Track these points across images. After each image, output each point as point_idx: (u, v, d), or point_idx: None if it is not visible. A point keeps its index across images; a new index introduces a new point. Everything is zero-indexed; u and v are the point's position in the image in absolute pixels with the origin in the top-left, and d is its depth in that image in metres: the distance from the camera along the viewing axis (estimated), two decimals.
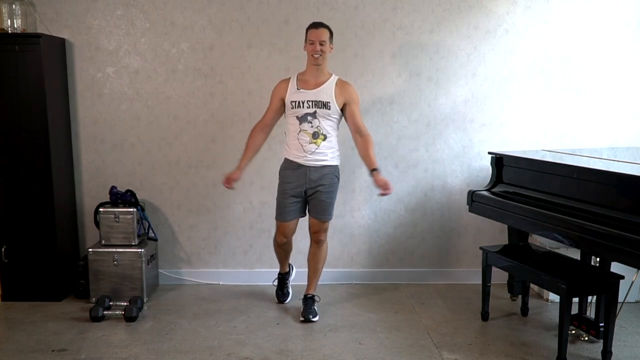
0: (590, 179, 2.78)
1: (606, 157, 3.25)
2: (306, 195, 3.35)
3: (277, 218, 3.44)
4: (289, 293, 3.72)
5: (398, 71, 3.91)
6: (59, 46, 3.75)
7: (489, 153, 3.56)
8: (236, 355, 2.97)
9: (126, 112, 3.91)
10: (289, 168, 3.35)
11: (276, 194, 3.44)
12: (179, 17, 3.83)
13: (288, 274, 3.74)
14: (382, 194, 3.25)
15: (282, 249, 3.57)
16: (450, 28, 3.87)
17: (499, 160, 3.48)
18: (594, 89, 3.95)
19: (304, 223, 3.53)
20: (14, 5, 3.59)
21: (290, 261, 3.76)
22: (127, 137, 3.94)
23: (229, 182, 3.34)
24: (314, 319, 3.38)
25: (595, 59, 3.92)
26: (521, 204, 3.09)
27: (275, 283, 3.74)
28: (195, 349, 3.02)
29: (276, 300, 3.71)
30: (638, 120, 3.99)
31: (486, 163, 3.75)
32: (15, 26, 3.61)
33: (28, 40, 3.49)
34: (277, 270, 3.73)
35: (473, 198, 3.46)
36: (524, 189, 3.24)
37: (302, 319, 3.37)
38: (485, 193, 3.42)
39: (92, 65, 3.86)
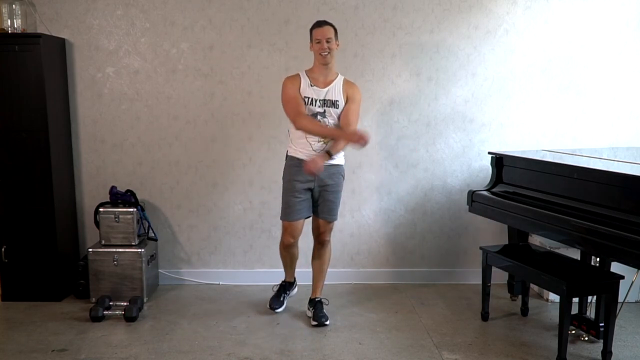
0: (590, 179, 2.77)
1: (606, 157, 3.25)
2: (313, 194, 3.30)
3: (284, 218, 3.33)
4: (283, 303, 3.57)
5: (398, 71, 3.90)
6: (59, 46, 3.75)
7: (489, 153, 3.56)
8: (236, 355, 2.97)
9: (126, 112, 3.91)
10: (297, 165, 3.23)
11: (277, 194, 3.38)
12: (179, 17, 3.83)
13: (292, 285, 3.64)
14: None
15: (289, 252, 3.46)
16: (450, 28, 3.87)
17: (499, 160, 3.48)
18: (594, 89, 3.95)
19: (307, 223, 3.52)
20: (14, 5, 3.59)
21: None
22: (127, 137, 3.94)
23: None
24: (327, 323, 3.33)
25: (595, 59, 3.92)
26: (521, 204, 3.08)
27: (275, 289, 3.63)
28: (195, 349, 3.02)
29: (268, 306, 3.54)
30: (638, 120, 3.99)
31: (486, 163, 3.75)
32: (15, 26, 3.61)
33: (28, 40, 3.49)
34: (278, 270, 3.71)
35: (473, 198, 3.46)
36: (524, 189, 3.24)
37: (314, 323, 3.32)
38: (485, 193, 3.42)
39: (92, 65, 3.86)
